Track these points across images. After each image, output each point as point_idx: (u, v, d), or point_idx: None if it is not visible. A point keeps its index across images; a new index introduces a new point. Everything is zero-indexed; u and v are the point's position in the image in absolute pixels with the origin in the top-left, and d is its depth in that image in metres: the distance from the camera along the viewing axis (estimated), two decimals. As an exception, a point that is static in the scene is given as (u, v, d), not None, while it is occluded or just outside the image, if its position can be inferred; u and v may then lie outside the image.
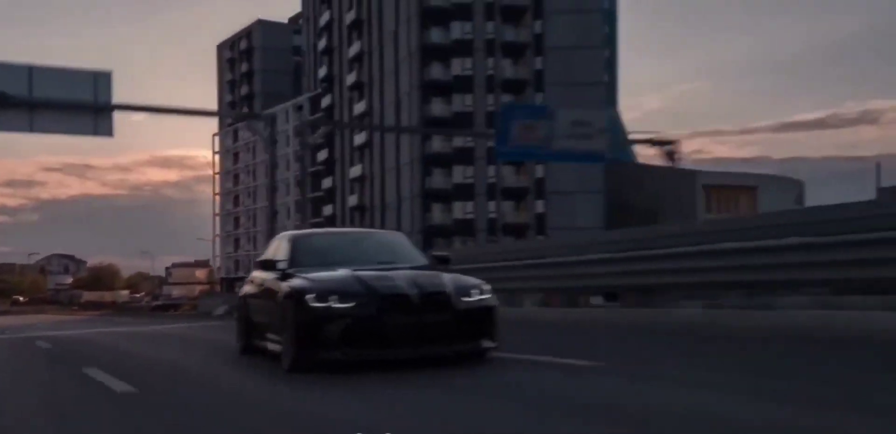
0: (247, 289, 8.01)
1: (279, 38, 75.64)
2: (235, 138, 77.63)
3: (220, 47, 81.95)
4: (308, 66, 68.58)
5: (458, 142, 48.86)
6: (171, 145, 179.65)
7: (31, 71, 16.68)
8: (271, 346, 6.73)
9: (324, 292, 6.04)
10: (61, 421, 4.63)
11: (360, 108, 55.81)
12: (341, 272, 6.43)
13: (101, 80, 17.18)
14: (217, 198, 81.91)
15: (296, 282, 6.43)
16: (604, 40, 53.76)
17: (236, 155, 78.36)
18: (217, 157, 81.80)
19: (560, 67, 48.34)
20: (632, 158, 57.20)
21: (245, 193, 77.25)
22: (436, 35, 49.37)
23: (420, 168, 49.31)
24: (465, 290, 6.26)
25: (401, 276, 6.31)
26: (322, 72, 62.51)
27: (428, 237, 47.01)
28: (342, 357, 5.99)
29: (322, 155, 61.61)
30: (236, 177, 78.28)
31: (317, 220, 62.32)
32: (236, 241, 78.33)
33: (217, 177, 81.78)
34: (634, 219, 41.64)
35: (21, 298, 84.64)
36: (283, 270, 6.98)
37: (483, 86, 49.09)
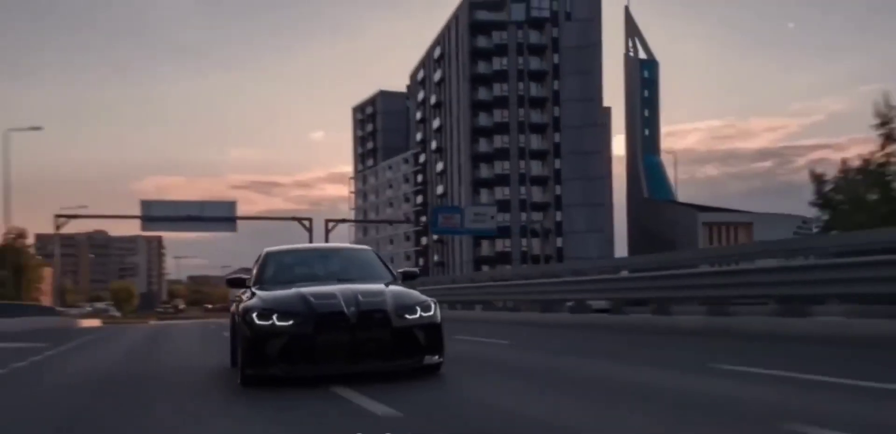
0: (233, 307, 7.84)
1: (395, 104, 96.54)
2: (365, 181, 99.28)
3: (354, 110, 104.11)
4: (411, 130, 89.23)
5: (499, 195, 67.58)
6: (346, 162, 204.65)
7: (203, 204, 38.55)
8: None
9: (266, 311, 6.28)
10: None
11: (439, 167, 75.70)
12: (289, 291, 6.65)
13: (230, 205, 38.82)
14: (352, 228, 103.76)
15: (249, 301, 6.75)
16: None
17: (364, 194, 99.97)
18: (353, 197, 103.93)
19: (572, 140, 66.11)
20: (671, 196, 73.60)
21: (372, 226, 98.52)
22: (483, 119, 68.53)
23: (471, 194, 68.36)
24: (408, 308, 6.40)
25: (343, 295, 6.40)
26: (419, 136, 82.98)
27: (477, 264, 65.86)
28: (281, 373, 6.21)
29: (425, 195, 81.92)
30: (365, 211, 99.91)
31: (416, 248, 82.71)
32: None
33: (352, 211, 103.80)
34: (656, 246, 56.78)
35: (209, 306, 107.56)
36: (248, 287, 7.34)
37: (516, 155, 67.66)
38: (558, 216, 66.55)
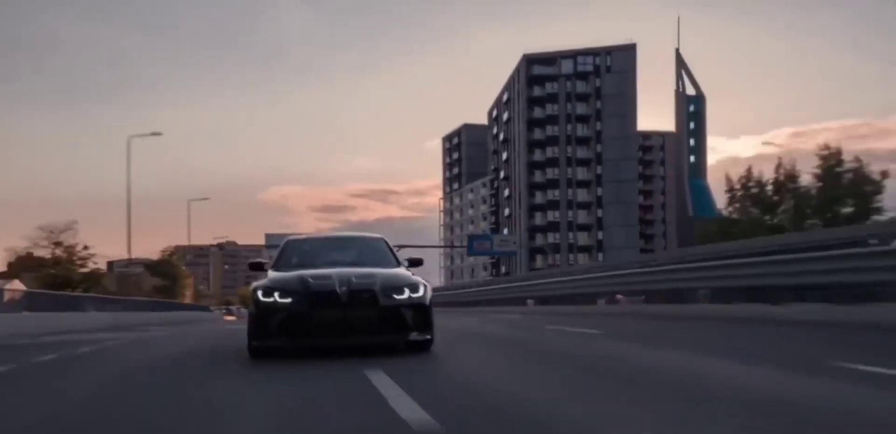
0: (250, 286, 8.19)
1: (478, 135, 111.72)
2: (451, 201, 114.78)
3: (443, 139, 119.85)
4: (489, 159, 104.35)
5: (550, 217, 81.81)
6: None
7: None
8: None
9: (270, 290, 7.00)
10: None
11: (506, 192, 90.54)
12: (292, 273, 7.37)
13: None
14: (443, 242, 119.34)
15: (259, 281, 7.40)
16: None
17: (451, 212, 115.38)
18: (442, 214, 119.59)
19: (611, 171, 79.73)
20: (715, 214, 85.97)
21: (458, 240, 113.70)
22: (538, 155, 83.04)
23: (528, 217, 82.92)
24: (396, 289, 6.99)
25: (338, 277, 7.04)
26: (492, 165, 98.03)
27: (532, 253, 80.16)
28: (282, 344, 6.97)
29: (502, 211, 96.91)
30: (451, 228, 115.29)
31: (492, 260, 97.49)
32: (451, 272, 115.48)
33: (441, 228, 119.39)
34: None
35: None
36: (265, 271, 7.90)
37: (565, 184, 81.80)
38: (600, 235, 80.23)
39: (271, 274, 7.61)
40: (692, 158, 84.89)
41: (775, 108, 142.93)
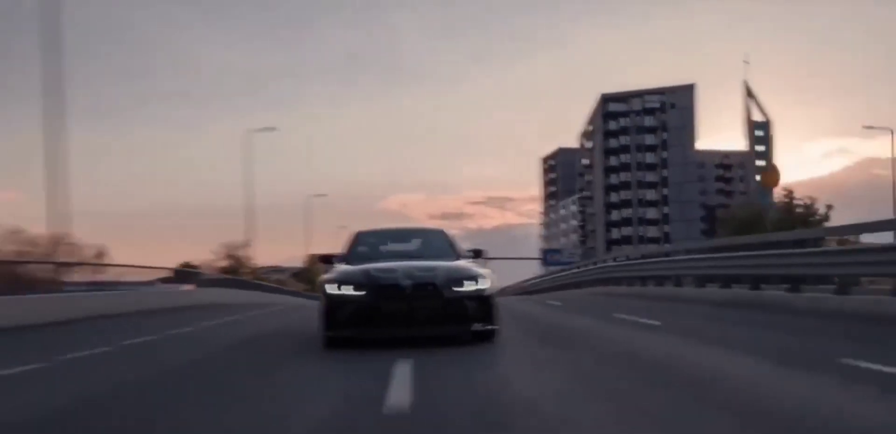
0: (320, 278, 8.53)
1: (571, 157, 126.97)
2: (548, 215, 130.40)
3: (543, 159, 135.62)
4: (578, 178, 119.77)
5: (625, 232, 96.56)
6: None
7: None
8: None
9: (339, 283, 7.48)
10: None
11: (589, 210, 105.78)
12: (360, 267, 7.83)
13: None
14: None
15: (328, 274, 7.90)
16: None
17: (548, 225, 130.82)
18: (541, 227, 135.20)
19: (676, 193, 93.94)
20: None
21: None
22: (613, 178, 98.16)
23: (605, 231, 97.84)
24: (459, 281, 7.40)
25: (403, 270, 7.56)
26: (579, 185, 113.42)
27: (608, 245, 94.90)
28: (352, 335, 7.41)
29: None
30: (548, 239, 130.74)
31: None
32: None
33: (540, 238, 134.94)
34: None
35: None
36: (334, 264, 8.42)
37: (636, 204, 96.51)
38: (666, 210, 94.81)
39: (340, 267, 8.07)
40: (758, 178, 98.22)
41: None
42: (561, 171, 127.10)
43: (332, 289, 7.53)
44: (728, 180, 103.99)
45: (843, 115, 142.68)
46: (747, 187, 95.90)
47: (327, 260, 8.71)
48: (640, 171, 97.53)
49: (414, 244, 9.21)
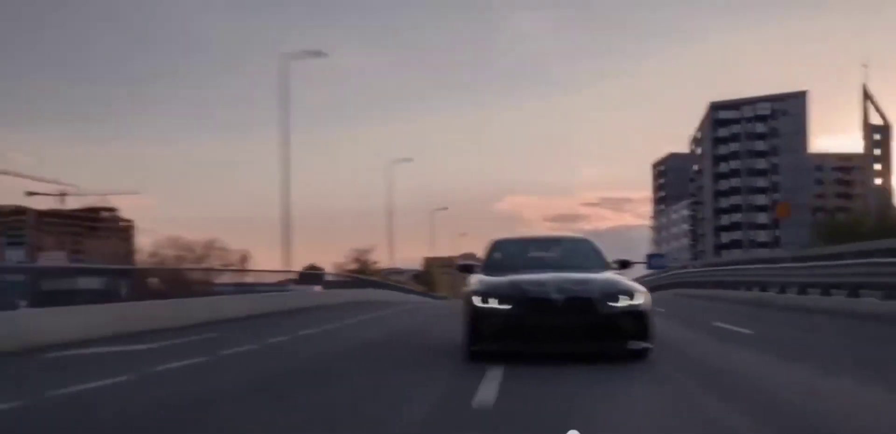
0: (463, 289, 8.28)
1: (682, 163, 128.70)
2: (659, 218, 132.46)
3: (653, 165, 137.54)
4: (689, 183, 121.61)
5: (735, 237, 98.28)
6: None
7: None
8: None
9: (486, 295, 7.21)
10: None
11: (699, 215, 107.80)
12: (507, 278, 7.56)
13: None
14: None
15: (473, 286, 7.61)
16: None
17: (659, 229, 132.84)
18: (651, 230, 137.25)
19: (786, 197, 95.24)
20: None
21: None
22: (722, 184, 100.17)
23: (714, 235, 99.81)
24: (613, 296, 7.05)
25: (554, 282, 7.23)
26: (691, 190, 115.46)
27: (717, 249, 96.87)
28: (497, 349, 7.10)
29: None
30: (659, 243, 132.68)
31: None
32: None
33: (651, 241, 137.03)
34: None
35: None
36: (475, 273, 8.22)
37: (745, 209, 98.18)
38: (774, 214, 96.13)
39: (483, 278, 7.82)
40: (878, 181, 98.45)
41: None
42: (671, 177, 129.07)
43: (478, 301, 7.25)
44: (847, 183, 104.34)
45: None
46: (865, 190, 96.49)
47: (467, 269, 8.53)
48: (750, 176, 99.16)
49: (557, 253, 8.89)
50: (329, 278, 34.94)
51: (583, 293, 7.14)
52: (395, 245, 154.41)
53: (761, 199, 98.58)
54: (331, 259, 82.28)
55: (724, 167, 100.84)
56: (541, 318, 7.04)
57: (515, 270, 7.90)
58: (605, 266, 8.29)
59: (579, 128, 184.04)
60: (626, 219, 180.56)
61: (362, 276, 73.74)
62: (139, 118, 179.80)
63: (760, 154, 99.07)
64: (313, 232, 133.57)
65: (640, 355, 7.15)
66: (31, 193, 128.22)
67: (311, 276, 33.42)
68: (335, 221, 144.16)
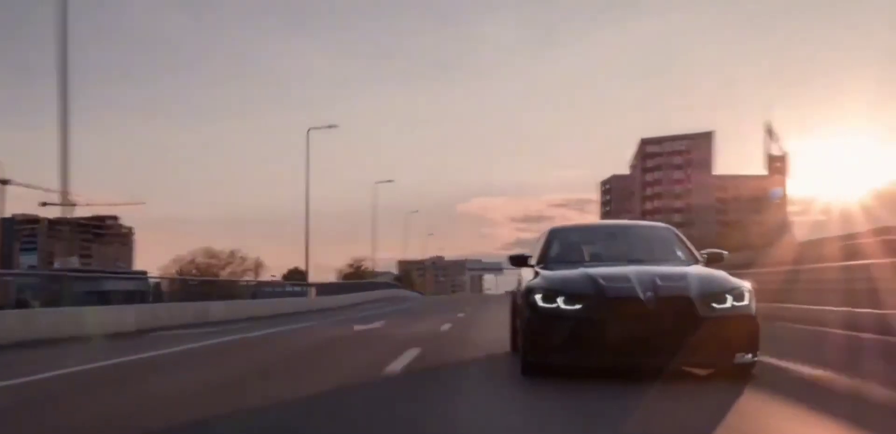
0: (515, 286, 7.52)
1: (623, 183, 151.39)
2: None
3: (601, 183, 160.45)
4: (625, 202, 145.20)
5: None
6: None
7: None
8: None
9: (552, 292, 5.71)
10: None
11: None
12: (577, 271, 6.05)
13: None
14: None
15: (532, 280, 6.17)
16: None
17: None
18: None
19: (698, 216, 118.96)
20: None
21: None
22: (648, 204, 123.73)
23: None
24: (717, 296, 5.59)
25: (639, 277, 5.72)
26: (627, 206, 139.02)
27: None
28: (568, 361, 5.60)
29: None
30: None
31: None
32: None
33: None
34: None
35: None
36: (531, 266, 6.84)
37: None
38: None
39: (543, 272, 6.38)
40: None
41: None
42: (614, 194, 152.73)
43: (541, 299, 5.79)
44: (753, 201, 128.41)
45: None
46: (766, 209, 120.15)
47: (521, 261, 7.14)
48: (668, 199, 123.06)
49: (631, 244, 7.32)
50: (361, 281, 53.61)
51: (679, 291, 5.64)
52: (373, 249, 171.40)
53: (677, 218, 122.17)
54: (323, 262, 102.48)
55: (649, 191, 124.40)
56: (625, 322, 5.52)
57: (580, 264, 6.59)
58: (691, 258, 6.85)
59: (545, 131, 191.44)
60: (590, 219, 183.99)
61: (358, 279, 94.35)
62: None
63: (678, 181, 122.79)
64: (301, 234, 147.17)
65: (746, 371, 5.69)
66: (43, 204, 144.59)
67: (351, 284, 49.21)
68: (321, 225, 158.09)
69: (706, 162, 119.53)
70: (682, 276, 5.90)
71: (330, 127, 43.59)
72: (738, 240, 57.31)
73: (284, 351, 10.85)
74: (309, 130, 42.93)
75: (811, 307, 8.38)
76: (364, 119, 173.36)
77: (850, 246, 11.64)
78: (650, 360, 5.57)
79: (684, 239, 7.35)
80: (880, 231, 12.67)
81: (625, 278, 5.81)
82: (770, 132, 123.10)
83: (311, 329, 16.46)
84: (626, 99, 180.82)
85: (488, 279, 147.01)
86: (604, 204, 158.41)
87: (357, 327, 16.16)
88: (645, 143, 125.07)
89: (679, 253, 7.01)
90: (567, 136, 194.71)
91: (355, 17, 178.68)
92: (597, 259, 6.94)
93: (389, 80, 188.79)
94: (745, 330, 5.66)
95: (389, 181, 74.82)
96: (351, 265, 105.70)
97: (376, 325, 17.20)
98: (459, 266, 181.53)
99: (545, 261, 6.99)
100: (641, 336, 5.52)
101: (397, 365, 7.57)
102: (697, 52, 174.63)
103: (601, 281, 5.79)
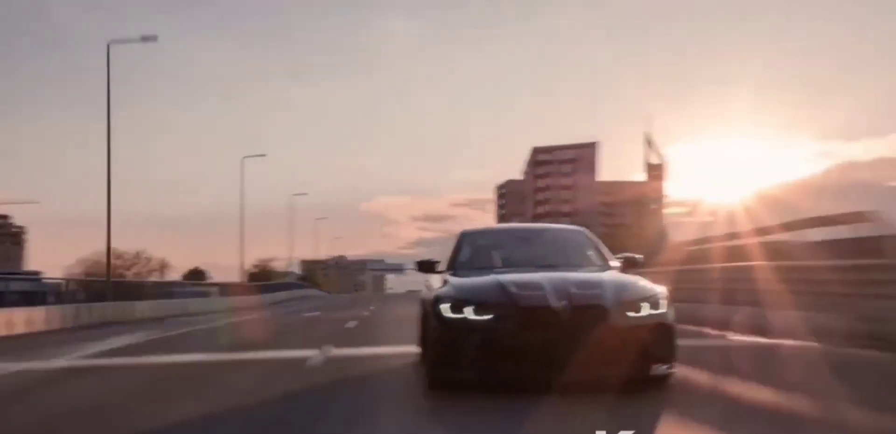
0: (422, 293, 6.99)
1: (518, 187, 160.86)
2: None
3: (497, 187, 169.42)
4: (519, 205, 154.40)
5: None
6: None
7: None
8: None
9: (460, 302, 5.44)
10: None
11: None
12: (487, 279, 5.80)
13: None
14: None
15: (440, 288, 5.86)
16: None
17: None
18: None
19: (583, 218, 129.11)
20: None
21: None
22: (539, 208, 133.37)
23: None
24: (633, 304, 5.39)
25: (552, 284, 5.47)
26: (520, 209, 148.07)
27: None
28: (475, 376, 5.36)
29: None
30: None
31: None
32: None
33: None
34: None
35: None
36: (440, 272, 6.55)
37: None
38: None
39: (451, 279, 6.06)
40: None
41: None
42: (509, 198, 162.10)
43: (447, 310, 5.47)
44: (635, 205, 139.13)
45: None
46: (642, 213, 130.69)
47: (429, 267, 6.83)
48: (557, 203, 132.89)
49: (544, 248, 7.03)
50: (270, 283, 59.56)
51: (594, 299, 5.40)
52: (277, 246, 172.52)
53: (565, 221, 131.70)
54: (224, 262, 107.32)
55: (541, 195, 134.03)
56: (538, 333, 5.25)
57: (491, 270, 6.27)
58: (604, 264, 6.65)
59: (448, 131, 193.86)
60: (489, 220, 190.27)
61: (264, 279, 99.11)
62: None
63: (566, 187, 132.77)
64: (211, 233, 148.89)
65: (662, 382, 5.50)
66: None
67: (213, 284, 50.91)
68: (226, 226, 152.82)
69: (591, 169, 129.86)
70: (598, 284, 5.64)
71: (259, 156, 54.09)
72: (620, 242, 65.44)
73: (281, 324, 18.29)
74: (244, 159, 50.61)
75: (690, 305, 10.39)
76: (263, 116, 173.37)
77: (731, 247, 13.18)
78: (567, 373, 5.20)
79: (598, 243, 7.18)
80: (760, 231, 13.40)
81: (538, 285, 5.51)
82: (650, 142, 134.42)
83: (272, 316, 23.20)
84: (521, 102, 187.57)
85: (390, 278, 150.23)
86: (500, 207, 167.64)
87: (306, 315, 22.98)
88: (537, 151, 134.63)
89: (594, 257, 6.81)
90: (468, 138, 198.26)
91: (249, 11, 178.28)
92: (509, 264, 6.64)
93: (285, 76, 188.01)
94: (662, 339, 5.45)
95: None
96: (257, 265, 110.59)
97: (317, 313, 23.98)
98: (361, 265, 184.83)
99: (454, 266, 6.67)
100: (555, 348, 5.21)
101: (351, 324, 15.95)
102: (588, 56, 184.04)
103: (513, 289, 5.48)
